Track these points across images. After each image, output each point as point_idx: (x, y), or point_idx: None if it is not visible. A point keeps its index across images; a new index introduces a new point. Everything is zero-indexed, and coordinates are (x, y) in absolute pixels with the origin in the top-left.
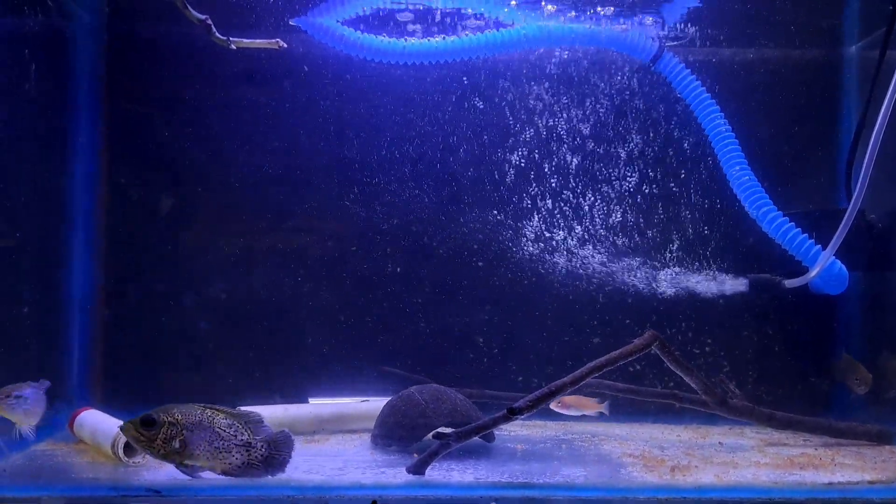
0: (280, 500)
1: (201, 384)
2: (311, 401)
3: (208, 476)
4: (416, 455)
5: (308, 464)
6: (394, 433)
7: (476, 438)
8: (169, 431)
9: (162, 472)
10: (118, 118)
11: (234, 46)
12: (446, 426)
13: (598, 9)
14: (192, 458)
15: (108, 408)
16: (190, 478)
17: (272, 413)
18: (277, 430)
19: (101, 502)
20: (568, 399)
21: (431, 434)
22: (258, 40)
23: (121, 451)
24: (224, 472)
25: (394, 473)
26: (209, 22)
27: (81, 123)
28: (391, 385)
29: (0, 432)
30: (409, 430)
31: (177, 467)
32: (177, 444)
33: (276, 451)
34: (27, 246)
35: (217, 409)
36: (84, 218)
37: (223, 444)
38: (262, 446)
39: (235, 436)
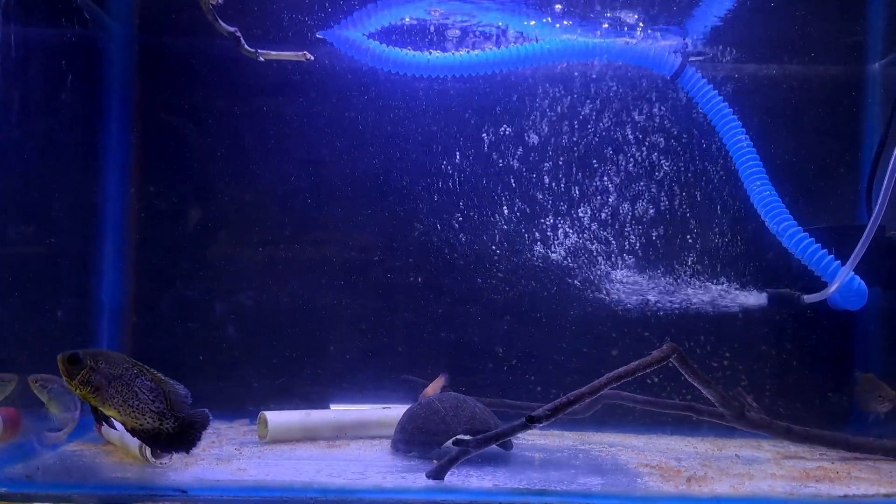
0: (303, 501)
1: (227, 389)
2: (333, 407)
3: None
4: (435, 461)
5: (330, 468)
6: (414, 439)
7: (494, 446)
8: (88, 375)
9: (188, 473)
10: (149, 128)
11: (262, 58)
12: (465, 433)
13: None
14: (104, 406)
15: None
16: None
17: (295, 418)
18: (198, 410)
19: (130, 501)
20: (427, 391)
21: (451, 441)
22: (286, 52)
23: (148, 453)
24: (132, 431)
25: (413, 478)
26: (238, 34)
27: (113, 133)
28: (412, 393)
29: (32, 434)
30: (429, 436)
31: (92, 412)
32: (92, 389)
33: (188, 429)
34: (60, 253)
35: (147, 371)
36: (115, 226)
37: (138, 404)
38: (175, 420)
39: (153, 401)
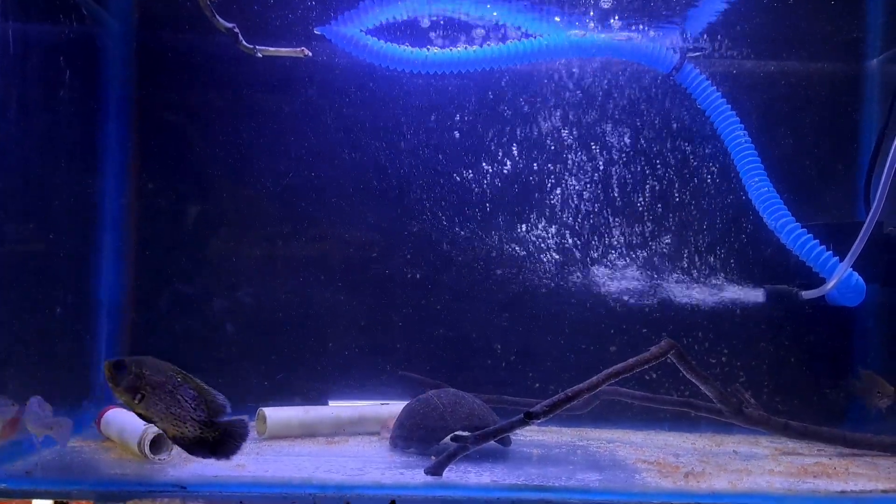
0: (302, 497)
1: (226, 386)
2: (331, 403)
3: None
4: (434, 457)
5: (329, 464)
6: (412, 435)
7: (493, 442)
8: (133, 382)
9: (187, 469)
10: (147, 125)
11: (260, 55)
12: (464, 429)
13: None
14: (146, 413)
15: None
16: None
17: (293, 414)
18: (237, 418)
19: (129, 497)
20: (391, 423)
21: (449, 437)
22: (284, 49)
23: (147, 449)
24: (173, 438)
25: (412, 474)
26: (236, 30)
27: (111, 130)
28: (410, 389)
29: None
30: (428, 432)
31: (138, 417)
32: (136, 397)
33: (228, 438)
34: (59, 251)
35: (190, 379)
36: (114, 224)
37: (181, 412)
38: (217, 429)
39: (195, 409)
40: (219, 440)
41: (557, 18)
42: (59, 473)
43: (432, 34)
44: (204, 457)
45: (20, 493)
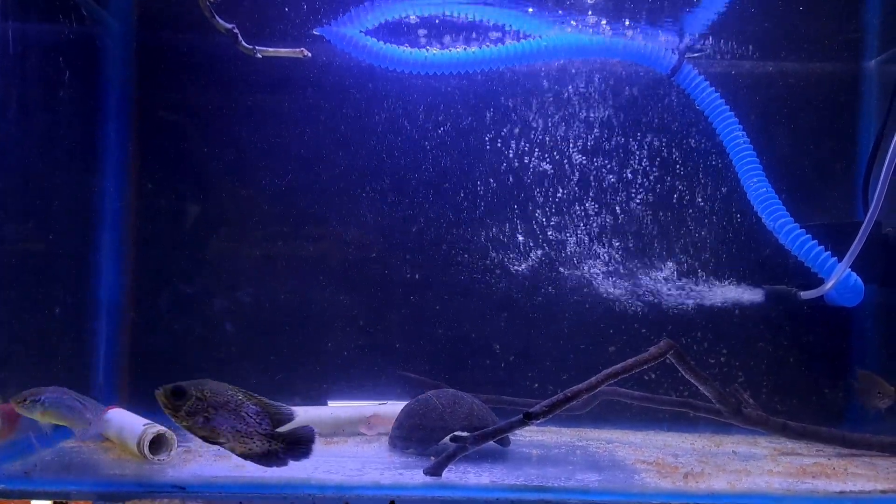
0: (301, 498)
1: None
2: (330, 403)
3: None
4: (433, 457)
5: (328, 464)
6: (412, 436)
7: (492, 443)
8: (195, 406)
9: (186, 469)
10: (146, 125)
11: (259, 55)
12: (463, 430)
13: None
14: (213, 435)
15: (134, 407)
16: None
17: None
18: (301, 425)
19: (129, 497)
20: (374, 420)
21: (448, 437)
22: (283, 49)
23: (146, 449)
24: (243, 456)
25: (411, 475)
26: (236, 31)
27: (110, 130)
28: (409, 389)
29: (30, 430)
30: (427, 432)
31: (202, 439)
32: (200, 420)
33: (296, 447)
34: (58, 250)
35: (250, 396)
36: (113, 224)
37: (246, 429)
38: (283, 440)
39: (260, 424)
40: (287, 450)
41: (572, 25)
42: (57, 474)
43: (421, 30)
44: (280, 465)
45: (18, 494)
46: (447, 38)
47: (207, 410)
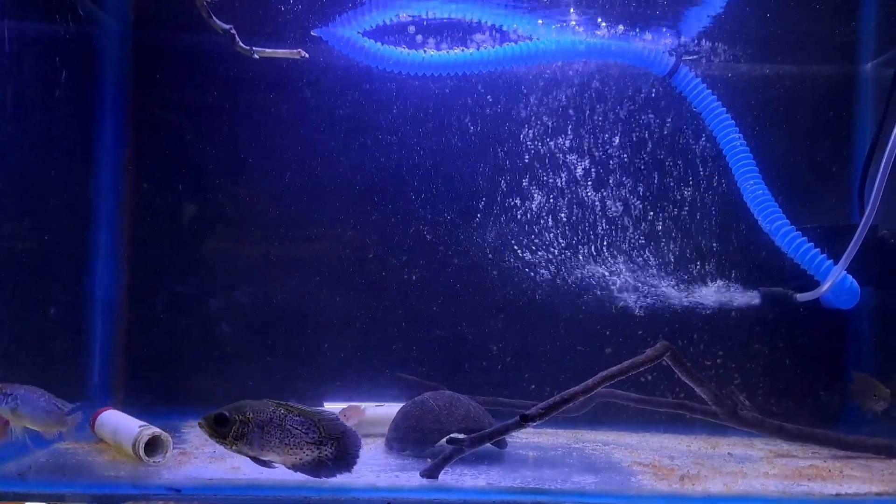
0: (297, 500)
1: (220, 386)
2: (326, 405)
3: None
4: (429, 460)
5: None
6: (408, 438)
7: (488, 445)
8: (241, 429)
9: (182, 472)
10: (142, 124)
11: (256, 56)
12: (460, 432)
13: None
14: (263, 453)
15: (129, 408)
16: (268, 468)
17: None
18: (348, 429)
19: (124, 499)
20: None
21: (445, 439)
22: (281, 50)
23: (142, 451)
24: (294, 467)
25: (407, 477)
26: (233, 31)
27: (107, 129)
28: (406, 391)
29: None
30: (423, 434)
31: (252, 460)
32: (248, 441)
33: (345, 451)
34: (54, 249)
35: (290, 407)
36: (109, 222)
37: (294, 440)
38: (331, 445)
39: (307, 433)
40: (336, 455)
41: (577, 27)
42: (52, 476)
43: (417, 34)
44: (329, 476)
45: (13, 496)
46: (447, 39)
47: (253, 431)
